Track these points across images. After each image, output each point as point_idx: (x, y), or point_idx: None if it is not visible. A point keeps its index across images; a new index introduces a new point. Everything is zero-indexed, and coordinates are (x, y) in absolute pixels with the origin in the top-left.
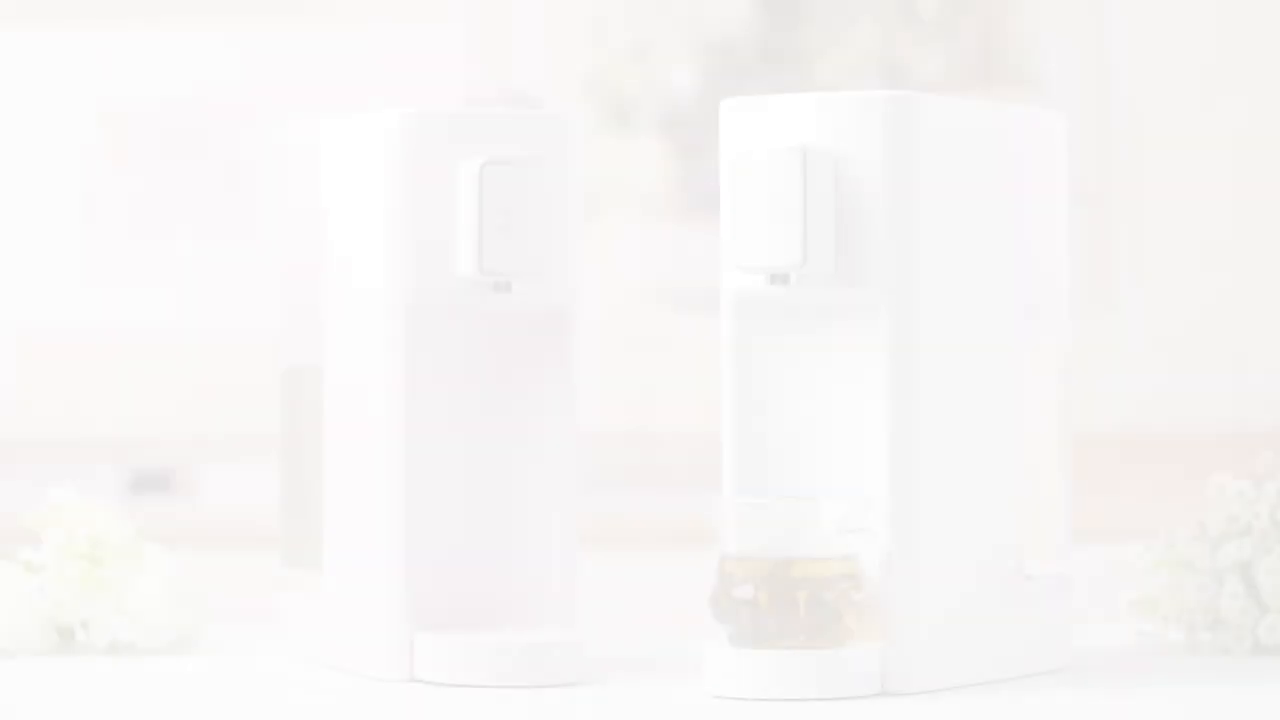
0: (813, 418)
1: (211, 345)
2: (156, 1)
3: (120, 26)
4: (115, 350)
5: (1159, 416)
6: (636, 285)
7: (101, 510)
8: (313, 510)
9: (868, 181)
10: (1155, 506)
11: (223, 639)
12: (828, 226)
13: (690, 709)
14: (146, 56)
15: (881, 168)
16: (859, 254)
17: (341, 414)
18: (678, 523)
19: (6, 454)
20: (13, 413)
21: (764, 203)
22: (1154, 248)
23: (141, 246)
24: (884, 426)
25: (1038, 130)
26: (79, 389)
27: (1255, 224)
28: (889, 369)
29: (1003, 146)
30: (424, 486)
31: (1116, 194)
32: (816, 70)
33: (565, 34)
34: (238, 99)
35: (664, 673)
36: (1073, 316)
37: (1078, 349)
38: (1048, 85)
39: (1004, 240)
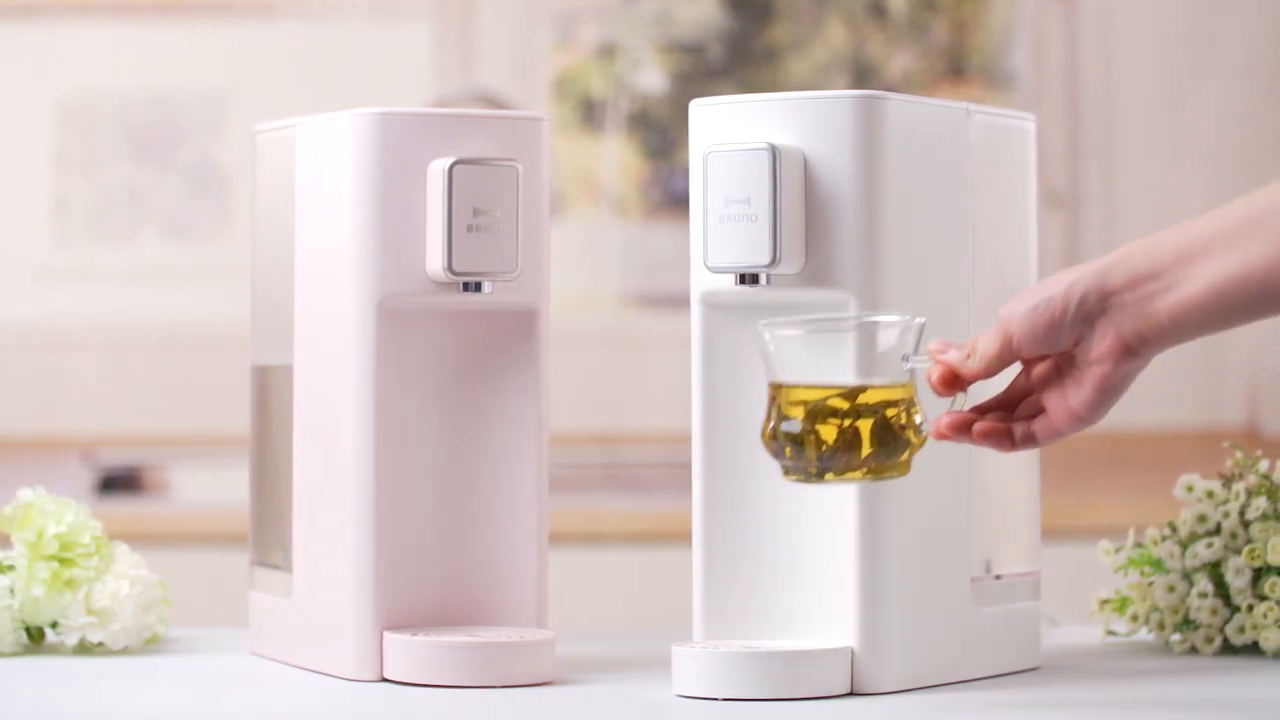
0: None
1: (182, 344)
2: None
3: (88, 22)
4: (85, 349)
5: (1128, 417)
6: (606, 285)
7: (71, 510)
8: (282, 510)
9: (837, 181)
10: (1125, 507)
11: (192, 639)
12: (796, 226)
13: (660, 709)
14: (116, 52)
15: (851, 168)
16: (828, 254)
17: (311, 413)
18: (648, 522)
19: None
20: None
21: (733, 202)
22: None
23: (110, 244)
24: None
25: (1007, 130)
26: (48, 388)
27: None
28: (857, 368)
29: (972, 146)
30: (393, 486)
31: (1086, 193)
32: (786, 70)
33: (534, 34)
34: (207, 97)
35: (634, 672)
36: None
37: None
38: (1017, 85)
39: (973, 240)
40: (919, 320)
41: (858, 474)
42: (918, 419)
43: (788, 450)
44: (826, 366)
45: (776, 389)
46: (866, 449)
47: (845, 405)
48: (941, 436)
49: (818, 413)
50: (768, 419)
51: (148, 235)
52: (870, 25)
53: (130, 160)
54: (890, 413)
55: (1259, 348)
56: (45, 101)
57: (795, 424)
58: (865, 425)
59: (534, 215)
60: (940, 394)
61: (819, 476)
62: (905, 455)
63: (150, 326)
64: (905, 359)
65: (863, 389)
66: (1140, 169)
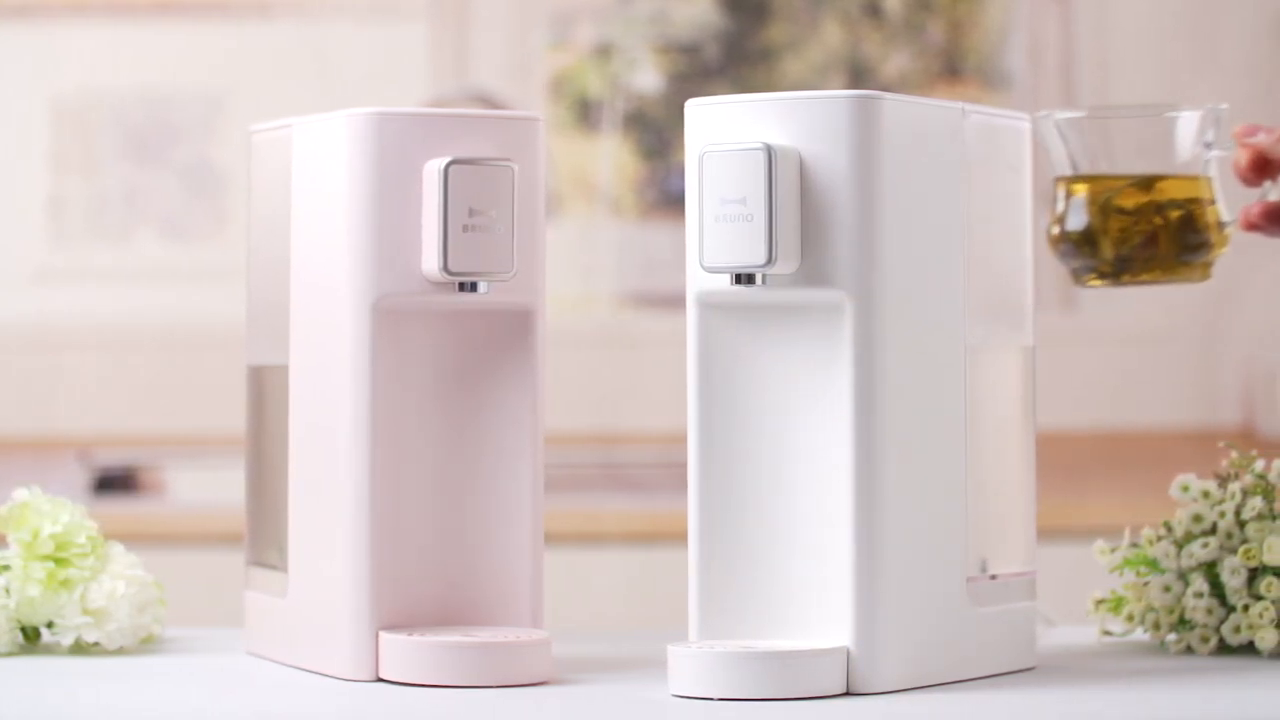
0: (778, 417)
1: (178, 343)
2: None
3: (85, 22)
4: (81, 349)
5: (1124, 416)
6: (602, 285)
7: (66, 510)
8: (278, 510)
9: (833, 181)
10: (1121, 506)
11: (188, 639)
12: (792, 226)
13: (656, 708)
14: (113, 52)
15: (847, 167)
16: (824, 254)
17: (307, 413)
18: (645, 522)
19: None
20: None
21: (729, 202)
22: None
23: (106, 244)
24: (849, 426)
25: (1003, 130)
26: (44, 387)
27: None
28: (853, 368)
29: (968, 146)
30: (389, 486)
31: None
32: (782, 70)
33: (529, 34)
34: (204, 97)
35: (630, 672)
36: (1037, 315)
37: (1042, 348)
38: (1013, 85)
39: (969, 240)
40: (1223, 106)
41: (1155, 274)
42: (1223, 216)
43: (1079, 250)
44: (1119, 160)
45: (1064, 183)
46: (1165, 246)
47: (1142, 199)
48: (1252, 227)
49: (1110, 208)
50: (1053, 219)
51: (144, 235)
52: (866, 25)
53: (127, 160)
54: (1192, 208)
55: (1256, 348)
56: (42, 101)
57: (1085, 220)
58: (1163, 221)
59: (530, 215)
60: (1248, 182)
61: (1114, 277)
62: (1207, 257)
63: (147, 326)
64: (1208, 147)
65: (1160, 179)
66: None
